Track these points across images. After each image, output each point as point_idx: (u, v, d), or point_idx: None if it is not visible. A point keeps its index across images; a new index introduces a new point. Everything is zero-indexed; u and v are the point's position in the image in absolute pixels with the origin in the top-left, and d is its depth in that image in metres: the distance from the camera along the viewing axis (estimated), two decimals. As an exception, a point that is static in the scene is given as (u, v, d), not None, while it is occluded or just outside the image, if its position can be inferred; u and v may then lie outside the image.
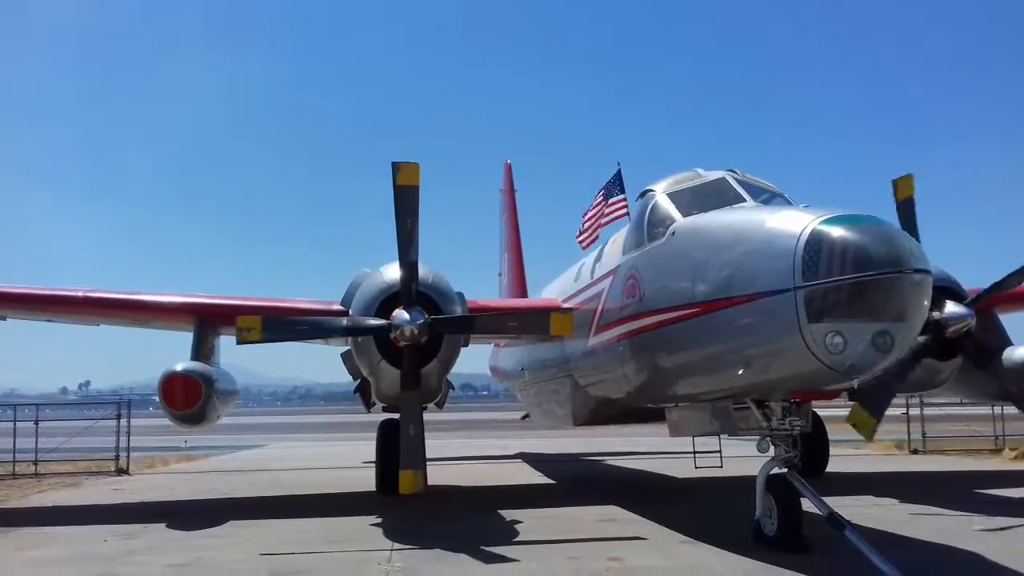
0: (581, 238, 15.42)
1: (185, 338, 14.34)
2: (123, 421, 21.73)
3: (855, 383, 8.15)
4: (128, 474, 20.42)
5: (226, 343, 14.97)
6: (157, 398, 12.90)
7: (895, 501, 12.64)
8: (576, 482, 17.71)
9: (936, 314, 11.46)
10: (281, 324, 11.40)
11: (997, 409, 22.87)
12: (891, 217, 10.93)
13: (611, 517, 11.59)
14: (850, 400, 14.34)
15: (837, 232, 7.52)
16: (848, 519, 8.24)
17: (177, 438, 32.74)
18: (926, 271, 7.50)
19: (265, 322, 10.62)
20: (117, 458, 21.24)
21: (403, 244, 10.69)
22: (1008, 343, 13.76)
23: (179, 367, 12.82)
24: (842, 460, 19.37)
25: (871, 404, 10.04)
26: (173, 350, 15.15)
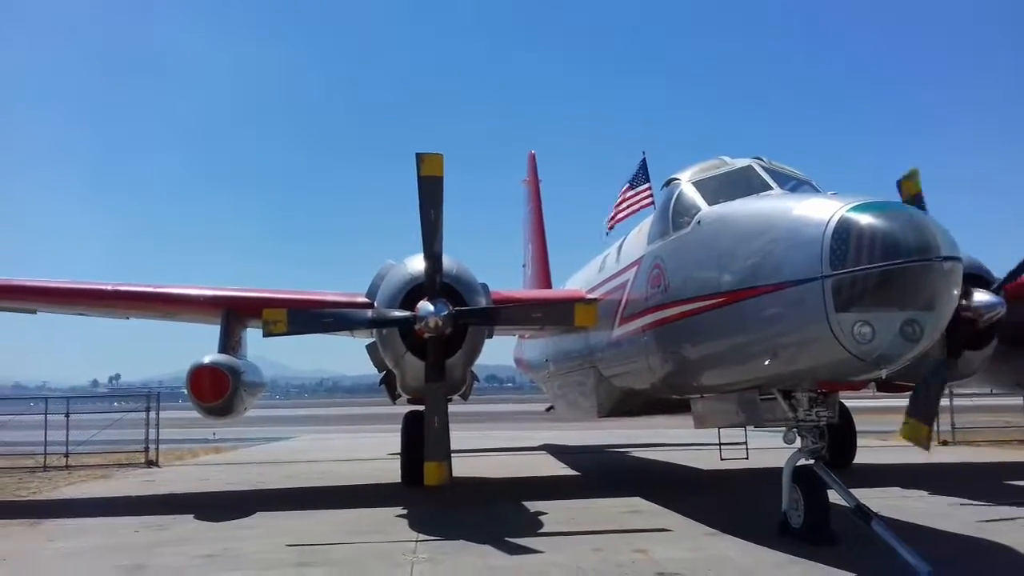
0: (609, 228, 15.35)
1: (213, 331, 14.45)
2: (152, 414, 21.92)
3: (883, 373, 8.03)
4: (157, 466, 20.65)
5: (253, 335, 15.10)
6: (185, 391, 13.01)
7: (924, 493, 12.50)
8: (601, 474, 17.68)
9: (966, 303, 11.27)
10: (307, 317, 11.45)
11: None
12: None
13: (636, 509, 11.56)
14: (879, 391, 14.22)
15: (865, 219, 7.42)
16: (875, 511, 8.15)
17: (206, 430, 33.10)
18: (956, 259, 7.38)
19: (291, 315, 10.67)
20: (147, 450, 21.50)
21: (427, 235, 10.68)
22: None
23: (207, 359, 12.94)
24: (869, 451, 19.20)
25: (920, 413, 10.03)
26: (201, 343, 15.30)
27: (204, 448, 26.48)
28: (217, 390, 12.70)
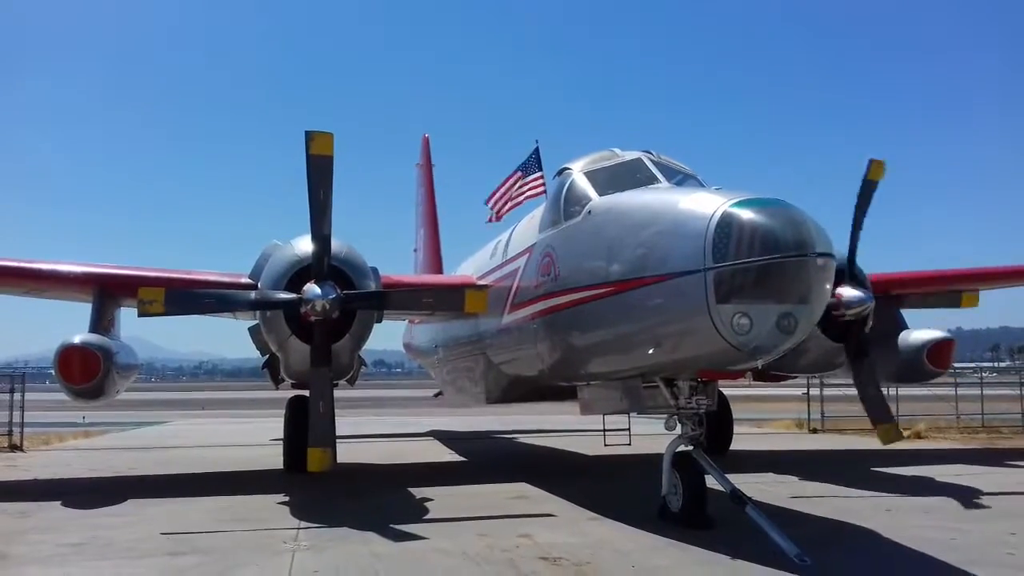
0: (490, 216, 15.32)
1: (85, 309, 13.75)
2: (17, 395, 20.79)
3: (760, 363, 8.36)
4: (22, 451, 19.55)
5: (128, 315, 14.42)
6: (53, 371, 12.34)
7: (795, 478, 13.09)
8: (488, 460, 17.78)
9: (837, 297, 11.83)
10: (185, 297, 11.02)
11: (892, 391, 23.91)
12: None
13: (522, 494, 11.66)
14: (755, 380, 14.80)
15: (747, 215, 7.66)
16: (750, 496, 8.47)
17: (75, 413, 31.43)
18: (830, 255, 7.72)
19: (168, 294, 10.27)
20: (10, 434, 20.30)
21: (316, 216, 10.43)
22: (904, 327, 14.37)
23: (76, 339, 12.25)
24: (746, 438, 19.98)
25: (881, 417, 11.45)
26: (73, 321, 14.50)
27: (73, 432, 25.15)
28: (87, 372, 12.04)
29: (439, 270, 23.99)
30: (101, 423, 29.18)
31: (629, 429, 12.72)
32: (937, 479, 12.91)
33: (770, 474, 13.61)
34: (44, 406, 29.22)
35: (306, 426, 10.27)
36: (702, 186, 9.78)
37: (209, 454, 18.55)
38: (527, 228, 12.80)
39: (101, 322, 13.32)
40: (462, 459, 17.95)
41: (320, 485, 12.04)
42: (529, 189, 14.21)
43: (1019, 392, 25.48)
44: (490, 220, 15.35)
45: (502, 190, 14.87)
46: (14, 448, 19.68)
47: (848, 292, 12.08)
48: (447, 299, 12.53)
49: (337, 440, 10.55)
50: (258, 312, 11.63)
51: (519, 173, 14.59)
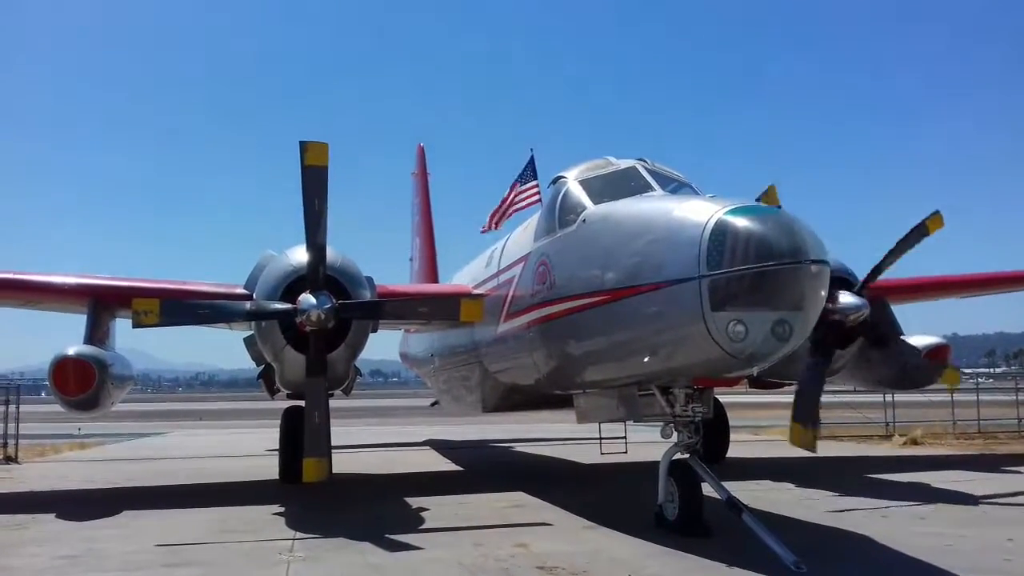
0: (488, 224, 15.32)
1: (80, 321, 13.73)
2: (12, 407, 20.66)
3: (755, 370, 8.36)
4: (17, 462, 19.43)
5: (123, 326, 14.40)
6: (48, 383, 12.31)
7: (791, 485, 13.08)
8: (484, 469, 17.74)
9: (832, 304, 11.84)
10: (180, 307, 11.01)
11: (888, 397, 23.96)
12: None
13: (518, 503, 11.64)
14: (752, 388, 14.80)
15: (741, 223, 7.67)
16: (746, 503, 8.47)
17: (71, 425, 31.32)
18: (824, 262, 7.72)
19: (163, 305, 10.25)
20: (5, 445, 20.21)
21: (311, 226, 10.43)
22: (900, 332, 14.38)
23: (71, 351, 12.24)
24: (742, 446, 19.96)
25: (803, 417, 10.66)
26: (68, 333, 14.48)
27: (68, 444, 25.06)
28: (82, 383, 12.03)
29: (435, 279, 23.99)
30: (97, 434, 29.09)
31: (625, 437, 12.69)
32: (933, 485, 12.90)
33: (767, 481, 13.61)
34: (39, 418, 29.09)
35: (301, 436, 10.25)
36: (696, 194, 9.79)
37: (204, 465, 18.49)
38: (522, 237, 12.80)
39: (96, 333, 13.31)
40: (458, 468, 17.91)
41: (316, 495, 11.99)
42: (525, 198, 14.23)
43: (1015, 398, 25.51)
44: (484, 230, 15.36)
45: (502, 202, 14.90)
46: (9, 460, 19.58)
47: (845, 298, 12.10)
48: (442, 308, 12.52)
49: (333, 450, 10.52)
50: (253, 322, 11.62)
51: (516, 183, 14.62)
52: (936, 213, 11.99)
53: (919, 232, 11.94)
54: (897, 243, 12.08)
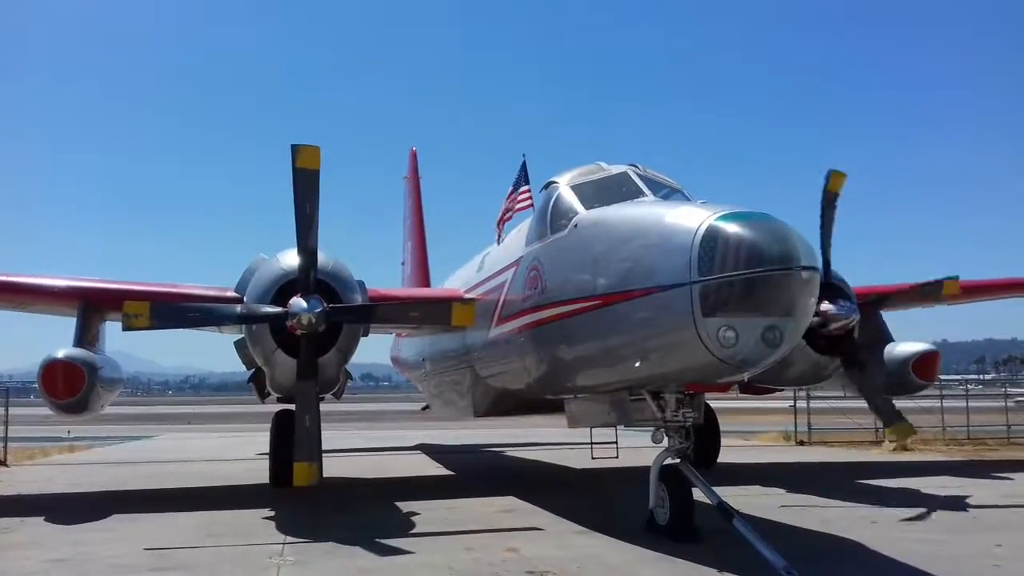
0: (498, 235, 15.33)
1: (70, 323, 13.66)
2: (0, 409, 20.63)
3: (746, 376, 8.39)
4: (6, 465, 19.36)
5: (113, 329, 14.34)
6: (37, 386, 12.24)
7: (782, 491, 13.11)
8: (475, 473, 17.73)
9: (823, 310, 11.88)
10: (171, 310, 10.98)
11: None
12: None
13: (509, 508, 11.63)
14: (742, 393, 14.83)
15: (732, 229, 7.69)
16: (737, 509, 8.48)
17: (60, 428, 31.21)
18: (814, 268, 7.75)
19: (154, 308, 10.23)
20: (-8, 448, 20.13)
21: (302, 229, 10.42)
22: (889, 339, 14.44)
23: (60, 353, 12.17)
24: (733, 451, 20.00)
25: (893, 418, 11.76)
26: (58, 335, 14.41)
27: (58, 447, 24.93)
28: (71, 386, 11.97)
29: (427, 283, 23.97)
30: (86, 438, 28.96)
31: (616, 442, 12.71)
32: (923, 491, 12.96)
33: (757, 486, 13.63)
34: (29, 421, 28.98)
35: (292, 440, 10.23)
36: (688, 200, 9.81)
37: (194, 469, 18.44)
38: (513, 242, 12.82)
39: (86, 336, 13.24)
40: (449, 473, 17.89)
41: (306, 499, 11.98)
42: (517, 203, 14.23)
43: (1004, 404, 25.65)
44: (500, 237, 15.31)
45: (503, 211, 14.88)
46: (-3, 463, 19.50)
47: (836, 305, 12.13)
48: (433, 313, 12.49)
49: (323, 454, 10.49)
50: (244, 326, 11.59)
51: (512, 189, 14.63)
52: (833, 171, 11.98)
53: (829, 199, 12.00)
54: (821, 220, 12.12)
